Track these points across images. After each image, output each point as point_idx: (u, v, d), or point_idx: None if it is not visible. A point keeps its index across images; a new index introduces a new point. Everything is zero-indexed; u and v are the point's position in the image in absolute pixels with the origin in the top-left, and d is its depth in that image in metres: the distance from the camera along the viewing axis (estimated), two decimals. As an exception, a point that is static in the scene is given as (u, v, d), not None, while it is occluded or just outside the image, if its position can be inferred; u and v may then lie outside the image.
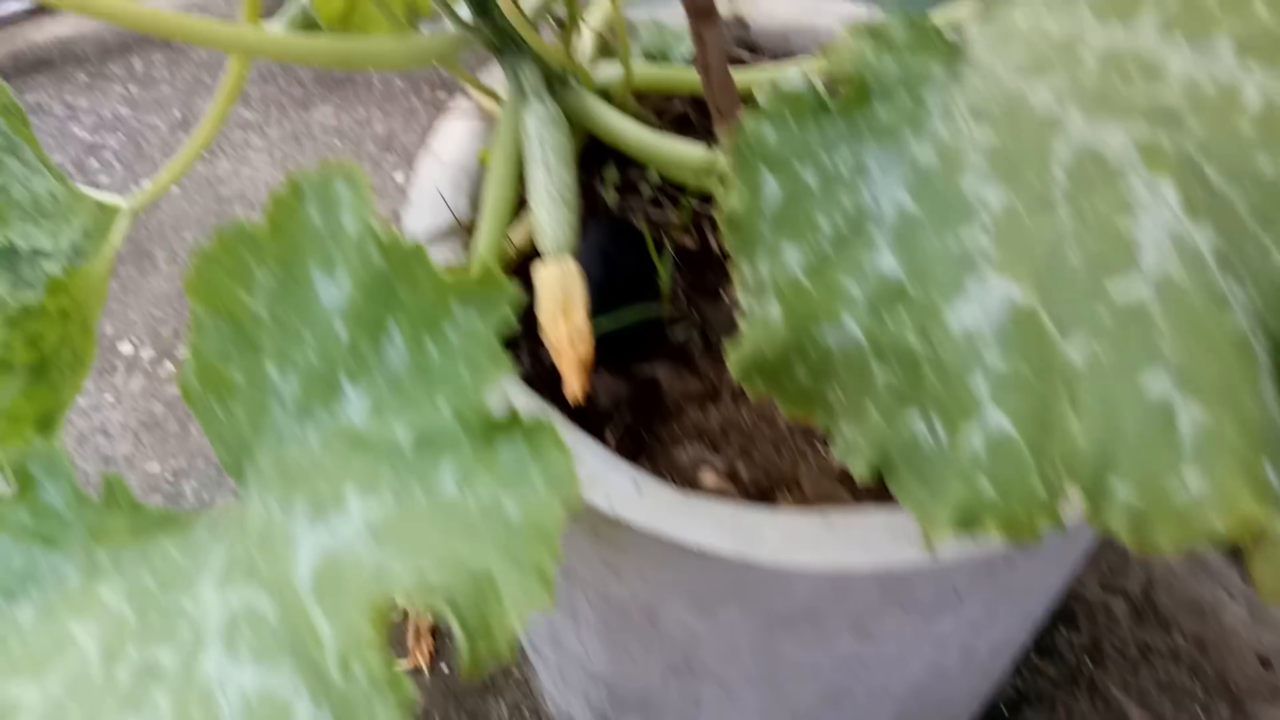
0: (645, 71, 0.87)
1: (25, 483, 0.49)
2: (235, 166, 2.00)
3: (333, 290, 0.40)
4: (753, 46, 1.04)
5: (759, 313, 0.50)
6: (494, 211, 0.75)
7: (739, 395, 0.79)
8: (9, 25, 2.22)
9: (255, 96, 2.16)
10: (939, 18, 0.49)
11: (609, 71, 0.88)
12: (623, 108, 0.90)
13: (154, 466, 1.58)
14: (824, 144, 0.45)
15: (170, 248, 1.88)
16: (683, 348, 0.82)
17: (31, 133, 0.93)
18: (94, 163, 2.03)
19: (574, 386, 0.72)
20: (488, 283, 0.37)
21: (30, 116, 2.03)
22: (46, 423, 0.92)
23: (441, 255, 0.82)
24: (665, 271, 0.80)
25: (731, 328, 0.82)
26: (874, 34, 0.45)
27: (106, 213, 0.97)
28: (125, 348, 1.73)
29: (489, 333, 0.37)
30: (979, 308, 0.43)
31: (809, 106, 0.45)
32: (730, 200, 0.48)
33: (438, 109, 2.10)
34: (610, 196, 0.91)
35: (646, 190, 0.92)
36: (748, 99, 0.49)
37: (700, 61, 0.73)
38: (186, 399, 0.46)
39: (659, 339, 0.83)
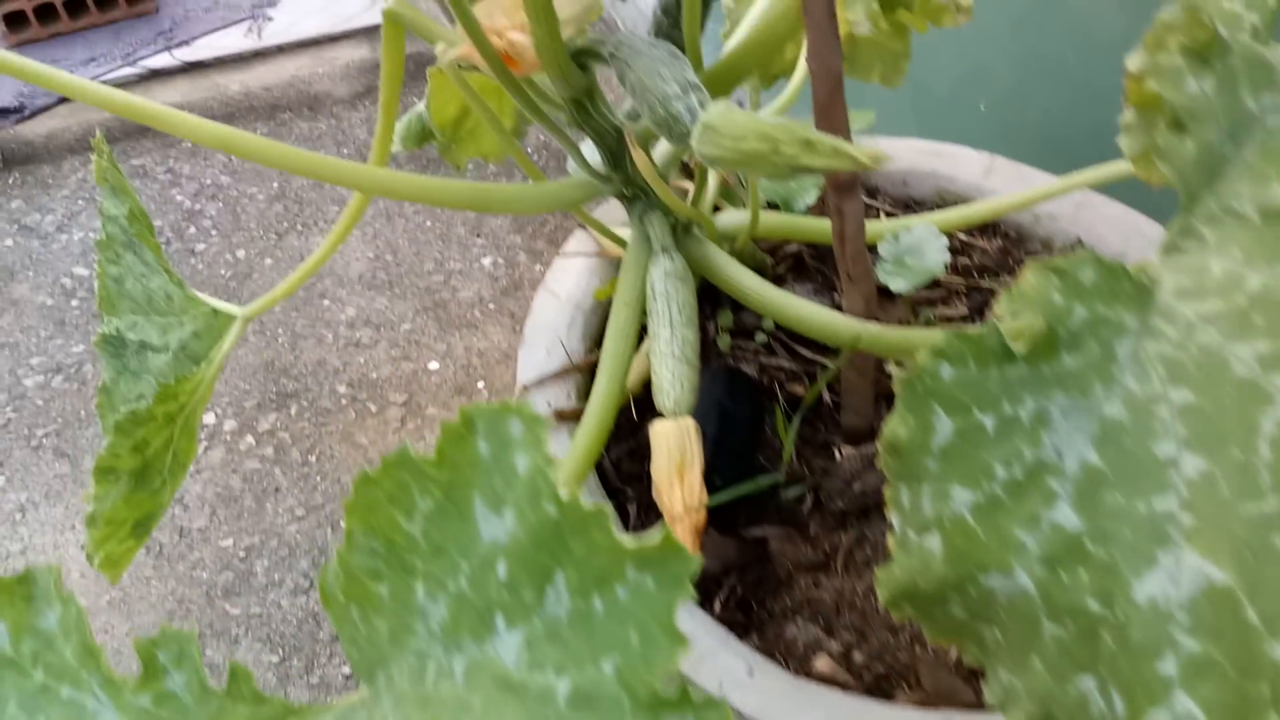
0: (768, 220, 0.86)
1: (150, 668, 0.47)
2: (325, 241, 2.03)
3: (496, 527, 0.39)
4: (872, 189, 1.03)
5: (915, 542, 0.47)
6: (613, 366, 0.73)
7: (851, 566, 0.77)
8: (121, 89, 2.30)
9: (351, 172, 2.20)
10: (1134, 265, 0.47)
11: (730, 218, 0.87)
12: (741, 253, 0.90)
13: (227, 542, 1.58)
14: (1005, 390, 0.43)
15: (260, 320, 1.91)
16: (794, 508, 0.80)
17: (155, 238, 0.94)
18: (192, 229, 2.08)
19: (686, 554, 0.70)
20: (669, 553, 0.35)
21: (134, 180, 2.09)
22: (144, 526, 0.92)
23: (555, 398, 0.81)
24: (789, 439, 0.78)
25: (845, 489, 0.79)
26: (1060, 274, 0.43)
27: (220, 319, 0.98)
28: (208, 418, 1.75)
29: (666, 605, 0.35)
30: (1170, 582, 0.41)
31: (992, 353, 0.43)
32: (897, 429, 0.46)
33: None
34: (724, 341, 0.90)
35: (760, 335, 0.90)
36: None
37: (837, 231, 0.72)
38: (325, 602, 0.45)
39: (769, 495, 0.81)
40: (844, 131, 0.65)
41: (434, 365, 1.84)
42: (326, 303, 1.94)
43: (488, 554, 0.39)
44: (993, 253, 0.97)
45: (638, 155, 0.70)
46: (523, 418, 0.39)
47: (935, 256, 0.85)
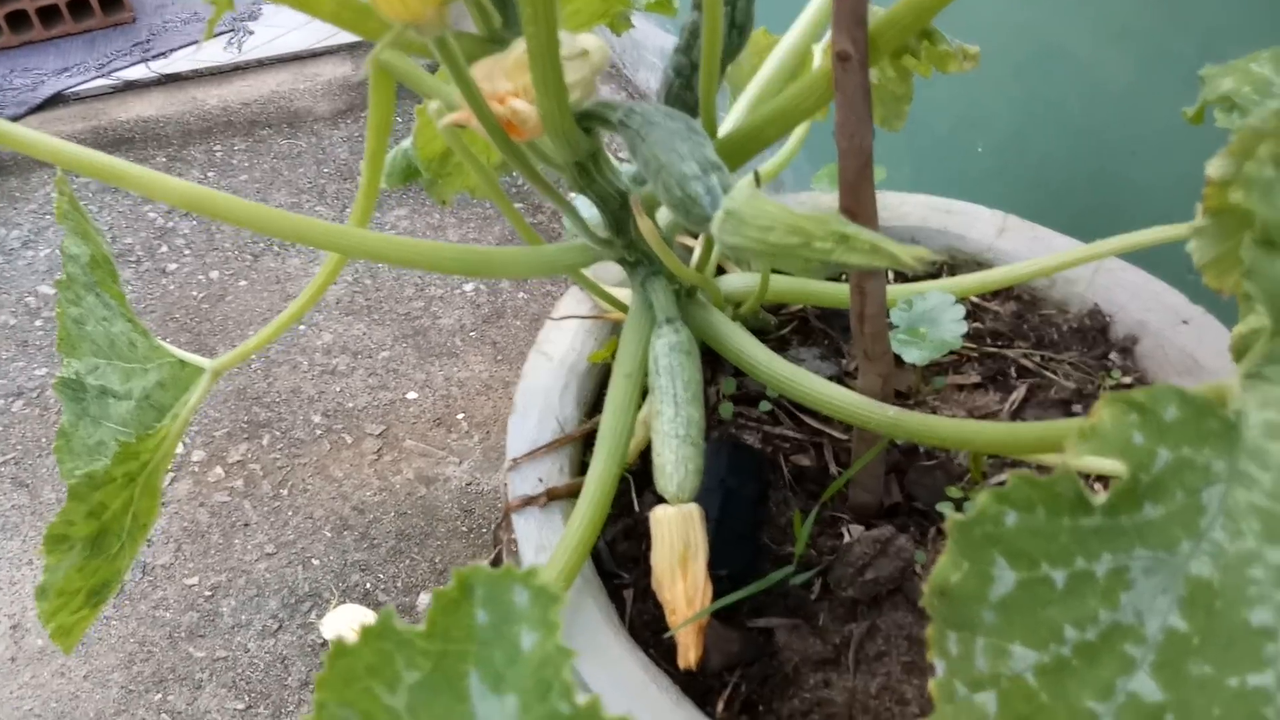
0: (777, 284, 0.81)
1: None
2: (305, 264, 1.97)
3: (495, 711, 0.34)
4: (880, 245, 0.98)
5: (964, 697, 0.42)
6: (612, 445, 0.68)
7: (863, 662, 0.72)
8: (93, 101, 2.23)
9: (331, 192, 2.14)
10: (1206, 389, 0.42)
11: (736, 281, 0.83)
12: (744, 315, 0.85)
13: (193, 580, 1.52)
14: (1078, 542, 0.38)
15: (232, 343, 1.84)
16: (801, 594, 0.75)
17: (118, 286, 0.89)
18: (164, 248, 2.01)
19: (689, 655, 0.64)
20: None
21: (105, 195, 2.02)
22: (99, 594, 0.86)
23: (547, 472, 0.76)
24: (803, 536, 0.73)
25: (856, 576, 0.74)
26: (1141, 411, 0.39)
27: (188, 370, 0.92)
28: (177, 448, 1.67)
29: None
30: (1264, 770, 0.36)
31: (1065, 501, 0.38)
32: (948, 573, 0.41)
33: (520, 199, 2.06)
34: (726, 409, 0.84)
35: (764, 403, 0.85)
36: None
37: (857, 310, 0.67)
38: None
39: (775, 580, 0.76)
40: (871, 211, 0.61)
41: (412, 395, 1.78)
42: (302, 328, 1.87)
43: (487, 736, 0.34)
44: (1006, 317, 0.92)
45: (643, 222, 0.65)
46: (530, 588, 0.33)
47: (951, 327, 0.80)
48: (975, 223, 0.96)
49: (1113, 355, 0.88)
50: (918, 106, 1.08)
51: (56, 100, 2.21)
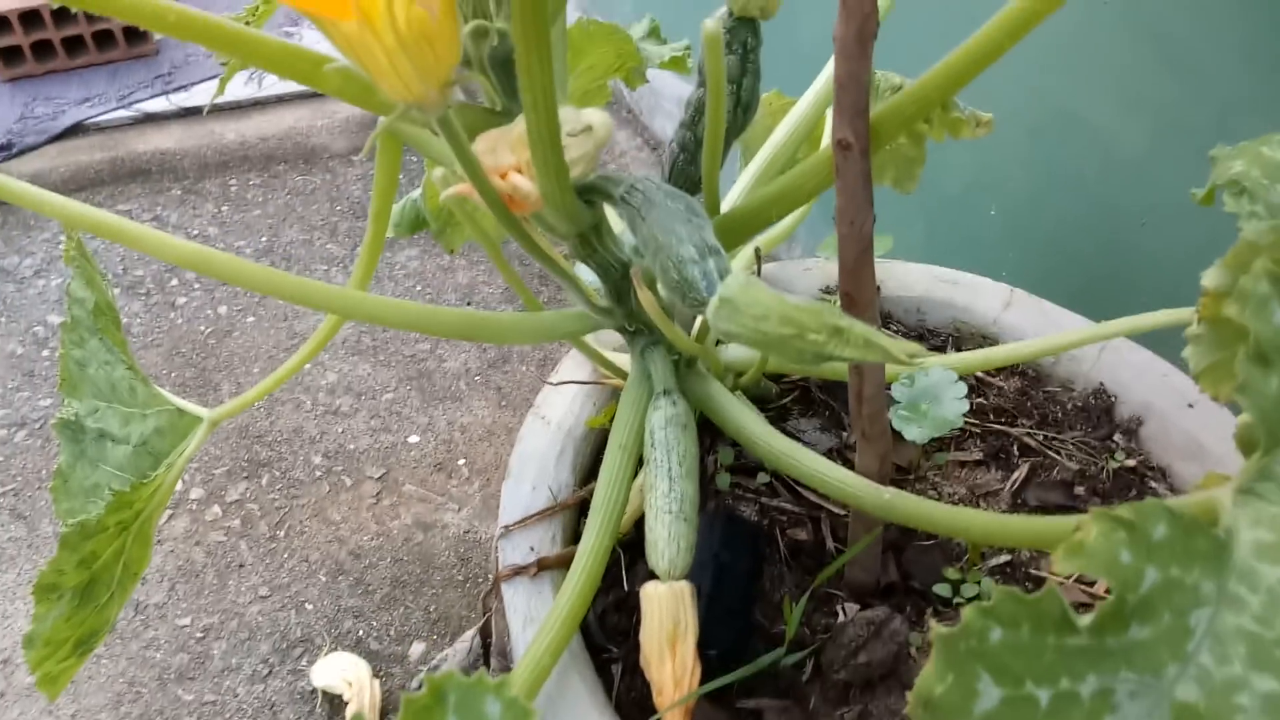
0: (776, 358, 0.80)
1: None
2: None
3: (462, 823, 0.33)
4: (885, 315, 0.98)
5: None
6: (604, 519, 0.67)
7: (852, 748, 0.70)
8: (113, 131, 2.25)
9: (343, 230, 2.15)
10: (1196, 505, 0.41)
11: (737, 352, 0.82)
12: (746, 386, 0.84)
13: (185, 621, 1.50)
14: (1063, 662, 0.37)
15: (237, 380, 1.84)
16: (793, 675, 0.74)
17: (121, 333, 0.89)
18: (175, 281, 2.02)
19: (674, 739, 0.63)
20: None
21: (120, 229, 2.01)
22: (86, 644, 0.85)
23: (539, 540, 0.75)
24: (793, 620, 0.72)
25: (849, 659, 0.73)
26: (1129, 528, 0.38)
27: (186, 419, 0.92)
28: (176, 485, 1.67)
29: None
30: None
31: (1051, 620, 0.37)
32: (934, 686, 0.40)
33: (521, 263, 2.07)
34: (723, 480, 0.84)
35: (762, 475, 0.85)
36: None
37: (854, 390, 0.67)
38: None
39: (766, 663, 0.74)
40: (871, 296, 0.60)
41: (414, 438, 1.77)
42: (308, 367, 1.87)
43: None
44: (1010, 393, 0.92)
45: (644, 294, 0.65)
46: (502, 699, 0.33)
47: (954, 405, 0.79)
48: (981, 295, 0.96)
49: (1117, 436, 0.87)
50: (930, 167, 1.08)
51: (77, 130, 2.24)
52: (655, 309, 0.66)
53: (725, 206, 0.74)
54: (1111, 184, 1.28)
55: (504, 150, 0.57)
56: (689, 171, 0.66)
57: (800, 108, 0.85)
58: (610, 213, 0.70)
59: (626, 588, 0.77)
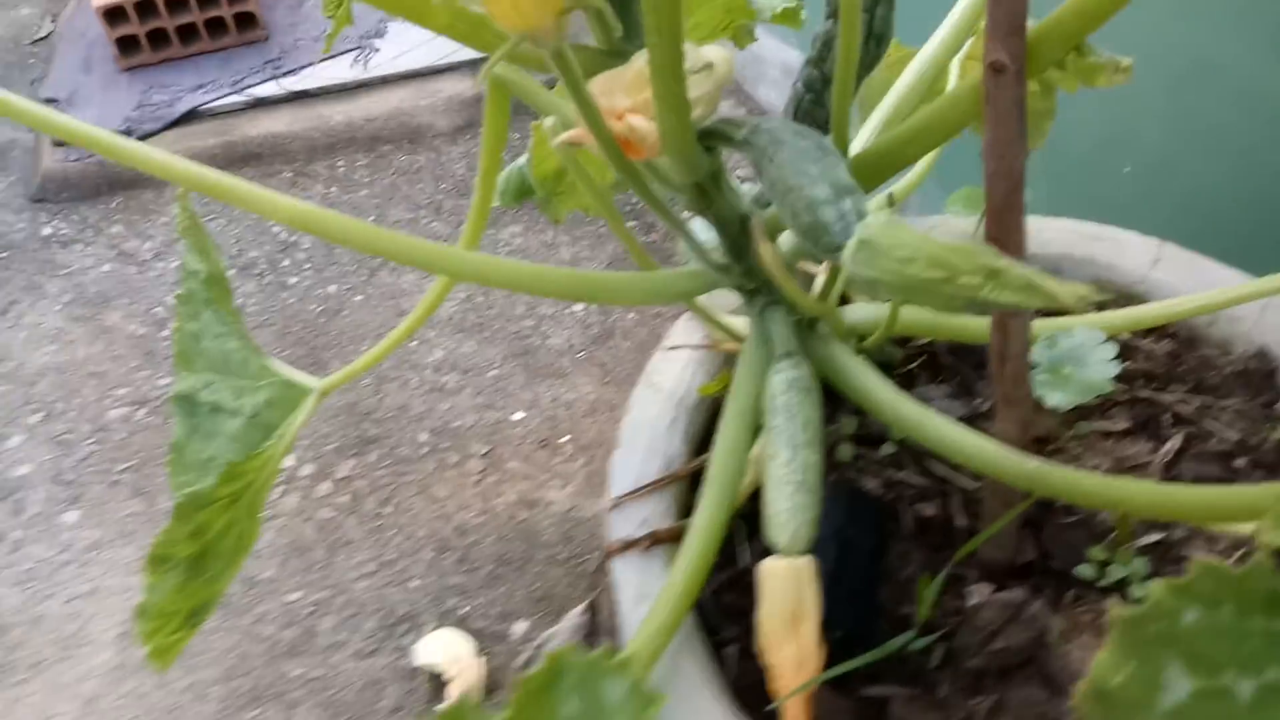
0: (906, 316, 0.75)
1: None
2: (419, 280, 1.98)
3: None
4: (1018, 277, 0.91)
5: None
6: (721, 489, 0.63)
7: (992, 739, 0.65)
8: (226, 117, 2.30)
9: (448, 208, 2.16)
10: None
11: (862, 312, 0.77)
12: (870, 350, 0.79)
13: (295, 596, 1.52)
14: (1272, 647, 0.32)
15: (346, 357, 1.86)
16: (920, 661, 0.69)
17: (233, 304, 0.88)
18: (286, 262, 2.05)
19: (796, 725, 0.59)
20: None
21: (234, 210, 2.07)
22: (197, 615, 0.85)
23: (652, 513, 0.71)
24: (927, 598, 0.67)
25: (984, 645, 0.68)
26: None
27: (295, 390, 0.91)
28: (287, 461, 1.69)
29: None
30: None
31: (1260, 599, 0.32)
32: (1110, 676, 0.35)
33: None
34: (845, 451, 0.79)
35: (887, 446, 0.79)
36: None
37: (997, 349, 0.61)
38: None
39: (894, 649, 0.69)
40: (1020, 239, 0.55)
41: (519, 415, 1.76)
42: (414, 344, 1.88)
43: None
44: (1160, 357, 0.84)
45: (764, 247, 0.60)
46: (627, 683, 0.29)
47: (1101, 368, 0.73)
48: (1126, 251, 0.88)
49: (1282, 405, 0.79)
50: (1056, 124, 1.00)
51: (191, 116, 2.29)
52: (777, 263, 0.61)
53: (855, 149, 0.69)
54: (1259, 135, 1.18)
55: (620, 92, 0.54)
56: (815, 113, 0.61)
57: (926, 53, 0.79)
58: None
59: (744, 564, 0.72)
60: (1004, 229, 0.53)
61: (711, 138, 0.57)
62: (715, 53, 0.55)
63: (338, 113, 2.31)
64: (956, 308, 0.44)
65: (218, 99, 2.30)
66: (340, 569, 1.54)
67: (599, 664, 0.28)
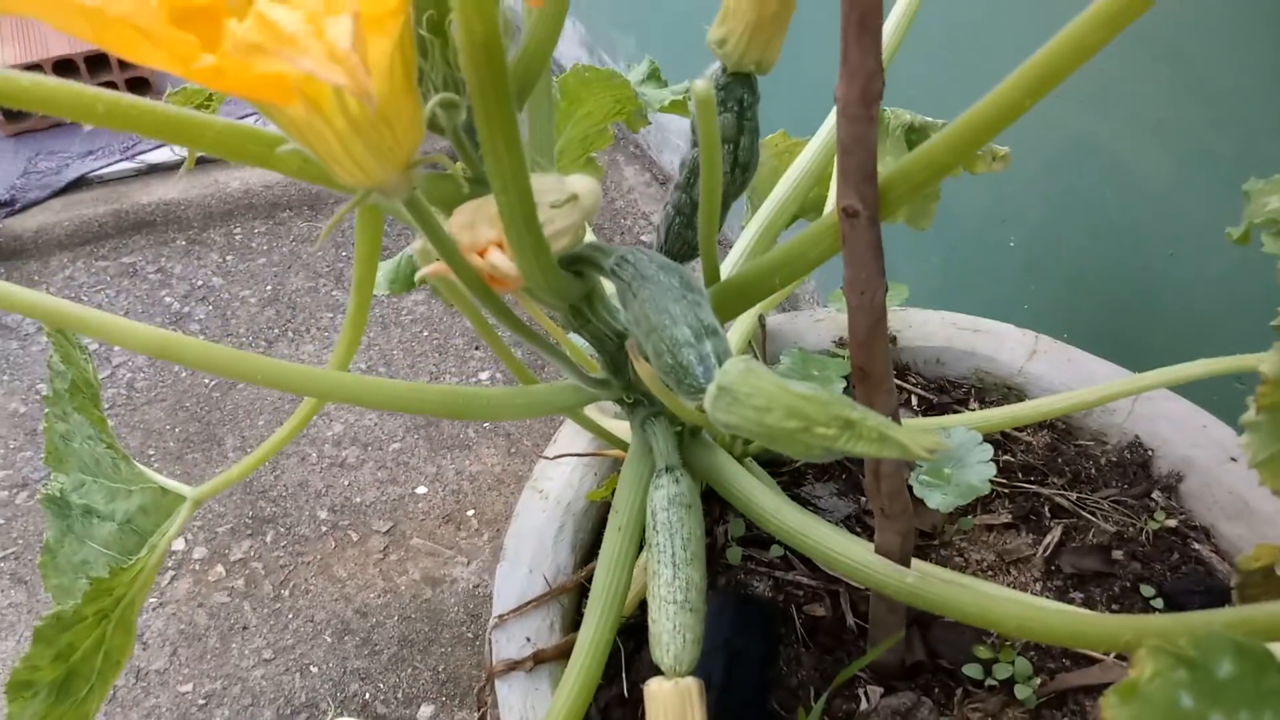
0: (789, 420, 0.75)
1: None
2: (319, 351, 1.94)
3: None
4: (903, 368, 0.93)
5: None
6: (605, 608, 0.62)
7: None
8: (117, 184, 2.24)
9: (349, 277, 2.12)
10: (1263, 616, 0.36)
11: (747, 415, 0.77)
12: (756, 452, 0.79)
13: (187, 687, 1.46)
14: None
15: (241, 434, 1.81)
16: (811, 771, 0.68)
17: (99, 410, 0.85)
18: (179, 334, 1.98)
19: None
20: None
21: (124, 279, 2.00)
22: (65, 742, 0.80)
23: (537, 629, 0.70)
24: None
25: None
26: (1190, 666, 0.33)
27: (169, 498, 0.88)
28: (178, 544, 1.63)
29: None
30: None
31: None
32: None
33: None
34: (734, 554, 0.79)
35: (776, 547, 0.79)
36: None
37: (872, 466, 0.62)
38: None
39: (783, 754, 0.69)
40: (885, 370, 0.55)
41: (422, 489, 1.73)
42: (314, 419, 1.83)
43: None
44: (1039, 449, 0.86)
45: (640, 366, 0.60)
46: None
47: (979, 469, 0.74)
48: (1004, 343, 0.91)
49: (1156, 494, 0.81)
50: (945, 200, 1.03)
51: (80, 183, 2.22)
52: (654, 381, 0.61)
53: (729, 266, 0.69)
54: (1134, 214, 1.23)
55: (483, 225, 0.53)
56: (686, 235, 0.62)
57: (807, 154, 0.80)
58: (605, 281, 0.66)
59: (629, 680, 0.71)
60: (869, 357, 0.54)
61: (580, 263, 0.57)
62: (581, 184, 0.55)
63: (234, 179, 2.27)
64: (815, 455, 0.44)
65: (108, 165, 2.24)
66: (235, 657, 1.49)
67: None
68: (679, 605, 0.62)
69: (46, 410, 0.82)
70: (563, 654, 0.69)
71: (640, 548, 0.69)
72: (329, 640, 1.50)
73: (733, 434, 0.78)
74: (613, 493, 0.75)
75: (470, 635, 1.52)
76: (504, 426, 1.83)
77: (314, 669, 1.47)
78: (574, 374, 0.65)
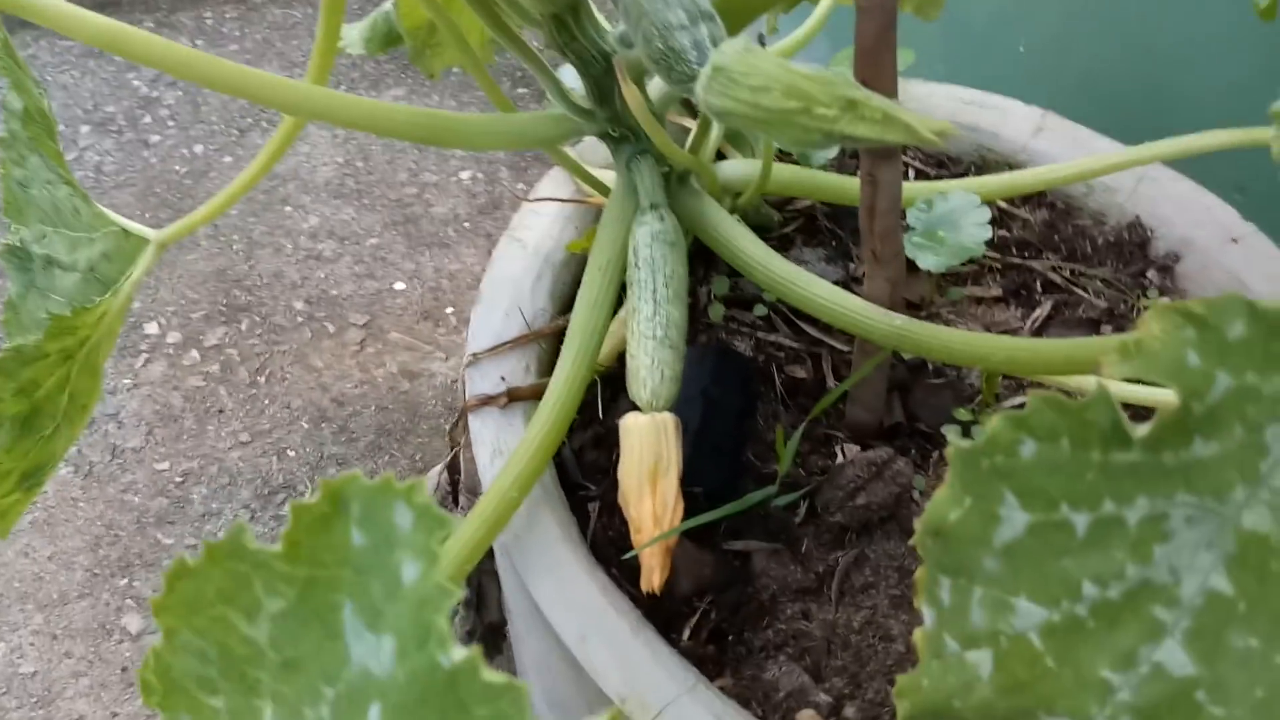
0: (780, 174, 0.72)
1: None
2: (294, 144, 1.87)
3: (372, 653, 0.27)
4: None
5: (955, 652, 0.36)
6: (581, 345, 0.61)
7: (847, 594, 0.65)
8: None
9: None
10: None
11: (735, 168, 0.74)
12: (744, 208, 0.76)
13: (164, 465, 1.46)
14: (1108, 481, 0.31)
15: (214, 223, 1.76)
16: (784, 517, 0.68)
17: (56, 143, 0.81)
18: (148, 119, 1.91)
19: (654, 578, 0.58)
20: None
21: (89, 60, 1.91)
22: (33, 477, 0.80)
23: (511, 370, 0.68)
24: (786, 455, 0.66)
25: (846, 501, 0.68)
26: (1199, 325, 0.31)
27: (132, 241, 0.85)
28: (151, 328, 1.61)
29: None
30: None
31: (1098, 431, 0.30)
32: (947, 511, 0.34)
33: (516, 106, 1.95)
34: (716, 311, 0.77)
35: (759, 307, 0.78)
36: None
37: (866, 203, 0.59)
38: (145, 697, 0.32)
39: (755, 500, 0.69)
40: (891, 82, 0.52)
41: (400, 285, 1.70)
42: (288, 209, 1.79)
43: (359, 685, 0.27)
44: (1036, 225, 0.84)
45: (628, 89, 0.56)
46: (412, 505, 0.26)
47: (974, 232, 0.72)
48: (1010, 119, 0.87)
49: (1151, 273, 0.79)
50: (952, 2, 0.97)
51: (40, -45, 2.09)
52: (642, 109, 0.57)
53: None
54: (1151, 18, 1.17)
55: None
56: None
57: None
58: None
59: (607, 424, 0.71)
60: (876, 68, 0.51)
61: (568, -41, 0.52)
62: None
63: (205, -43, 2.14)
64: (813, 141, 0.41)
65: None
66: (212, 439, 1.49)
67: (385, 490, 0.25)
68: (658, 341, 0.60)
69: (2, 155, 0.77)
70: (537, 394, 0.67)
71: (621, 292, 0.67)
72: (305, 426, 1.51)
73: (723, 187, 0.75)
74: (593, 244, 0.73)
75: (448, 427, 1.52)
76: (484, 226, 1.79)
77: (291, 453, 1.48)
78: (559, 99, 0.61)
